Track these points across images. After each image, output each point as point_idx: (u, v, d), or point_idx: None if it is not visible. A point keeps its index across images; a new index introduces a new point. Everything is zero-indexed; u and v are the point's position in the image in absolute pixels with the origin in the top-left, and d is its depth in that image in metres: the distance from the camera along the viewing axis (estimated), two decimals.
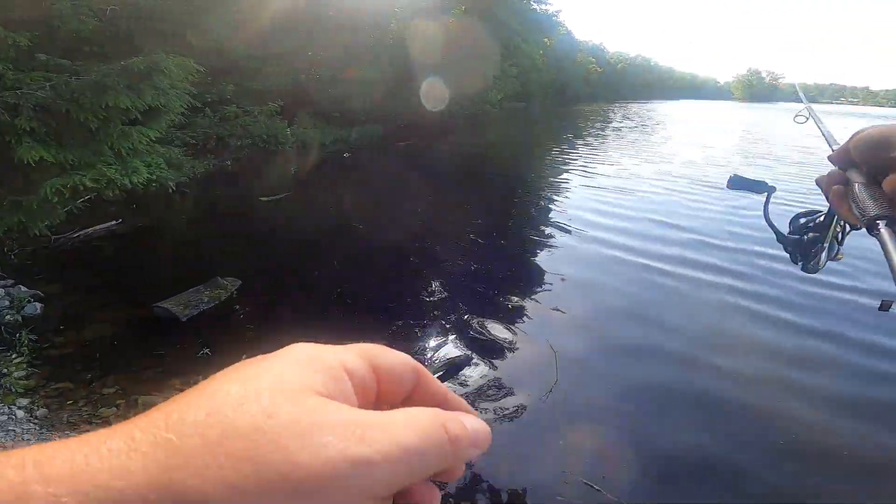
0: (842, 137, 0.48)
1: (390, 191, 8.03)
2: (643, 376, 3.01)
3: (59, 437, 1.46)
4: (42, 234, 4.03)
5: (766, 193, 0.77)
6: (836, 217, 0.58)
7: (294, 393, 0.18)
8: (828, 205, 0.57)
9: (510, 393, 2.82)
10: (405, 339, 3.35)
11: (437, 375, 2.91)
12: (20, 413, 2.57)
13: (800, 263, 0.67)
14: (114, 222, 5.42)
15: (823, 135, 0.74)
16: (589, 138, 17.06)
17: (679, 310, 3.87)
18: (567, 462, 2.30)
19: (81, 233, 5.03)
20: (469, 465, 2.31)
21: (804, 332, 3.54)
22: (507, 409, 2.69)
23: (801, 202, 7.48)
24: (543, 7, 34.19)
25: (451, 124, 17.56)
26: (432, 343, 3.31)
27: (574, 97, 46.02)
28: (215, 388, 0.18)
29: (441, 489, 0.21)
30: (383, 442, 0.17)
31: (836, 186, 0.44)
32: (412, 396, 0.23)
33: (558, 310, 3.80)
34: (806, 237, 0.65)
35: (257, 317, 3.62)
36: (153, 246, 5.17)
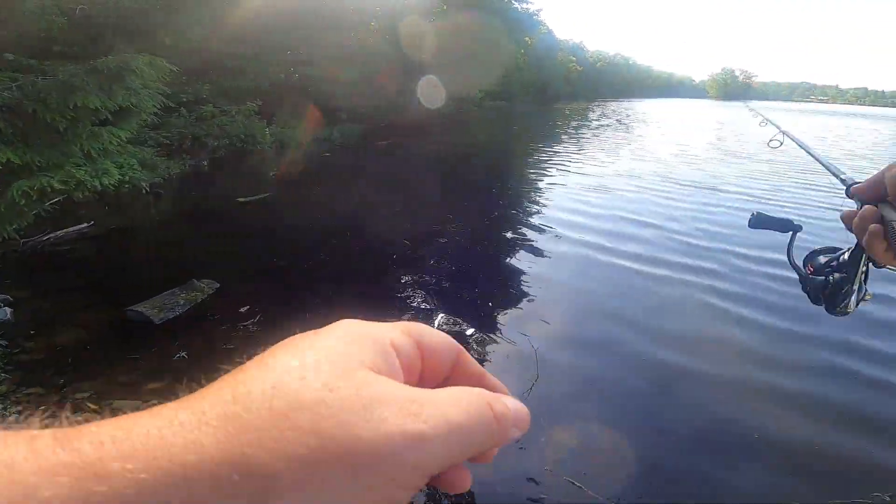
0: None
1: (370, 190, 8.02)
2: (622, 373, 3.07)
3: None
4: (10, 238, 3.94)
5: (791, 232, 0.71)
6: (864, 255, 0.54)
7: (350, 367, 0.18)
8: (849, 242, 0.56)
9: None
10: None
11: None
12: None
13: (823, 305, 0.62)
14: (85, 225, 5.31)
15: (822, 163, 0.74)
16: (569, 137, 17.27)
17: (654, 307, 3.94)
18: (549, 460, 2.33)
19: (52, 236, 4.91)
20: None
21: (780, 332, 3.60)
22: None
23: (770, 199, 7.73)
24: (524, 6, 34.42)
25: (432, 123, 17.56)
26: None
27: (555, 96, 46.46)
28: (276, 361, 0.18)
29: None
30: (437, 419, 0.18)
31: (873, 226, 0.41)
32: (452, 376, 0.23)
33: (537, 308, 3.85)
34: (831, 278, 0.60)
35: (235, 319, 3.59)
36: (126, 248, 5.09)
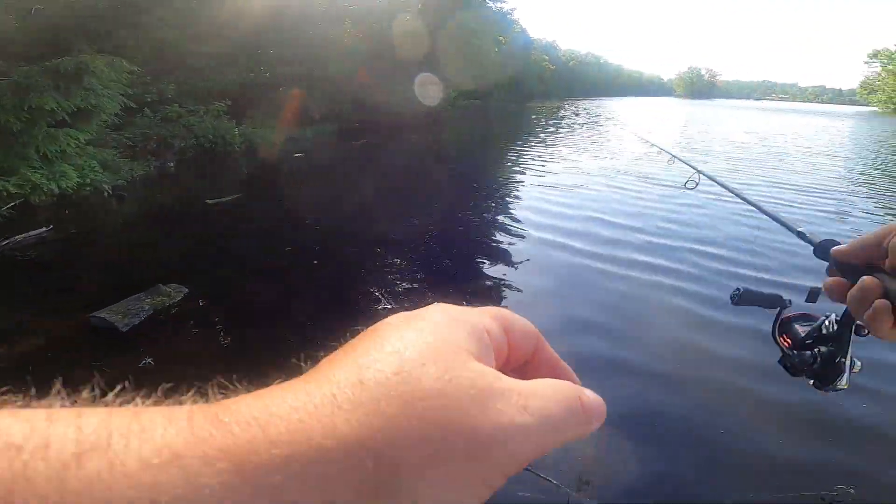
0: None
1: (343, 191, 7.98)
2: (597, 374, 3.09)
3: None
4: None
5: (778, 309, 0.65)
6: (854, 325, 0.51)
7: (462, 357, 0.19)
8: (817, 309, 0.54)
9: None
10: None
11: None
12: None
13: (809, 381, 0.57)
14: (44, 229, 5.12)
15: (769, 215, 0.70)
16: (542, 135, 17.51)
17: (622, 306, 3.98)
18: None
19: (9, 241, 4.73)
20: None
21: (746, 332, 3.56)
22: None
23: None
24: (498, 5, 34.65)
25: (406, 122, 17.52)
26: None
27: (528, 94, 46.97)
28: (391, 345, 0.19)
29: None
30: (540, 411, 0.19)
31: (880, 302, 0.37)
32: (531, 360, 0.24)
33: (513, 307, 3.91)
34: (817, 352, 0.55)
35: (204, 324, 3.54)
36: (88, 253, 4.93)
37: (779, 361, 0.60)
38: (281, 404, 0.17)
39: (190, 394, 0.18)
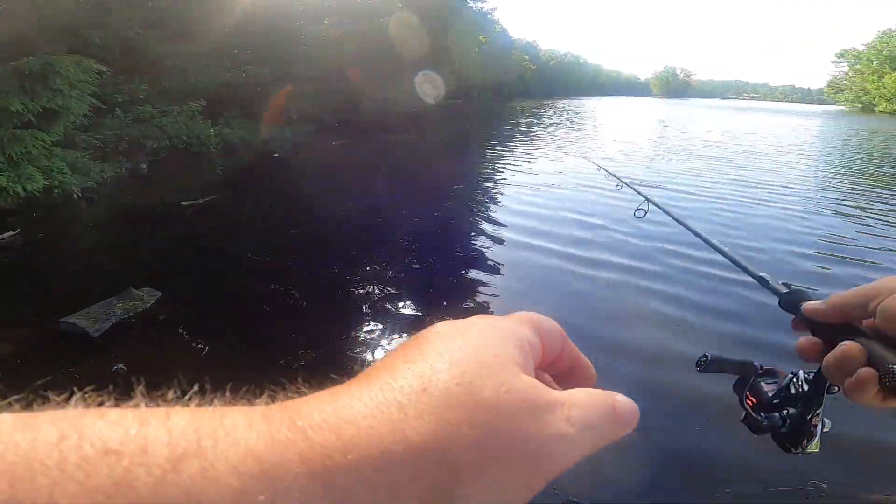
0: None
1: (321, 191, 7.93)
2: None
3: None
4: None
5: (750, 376, 0.58)
6: (828, 384, 0.48)
7: (513, 370, 0.20)
8: (789, 366, 0.51)
9: None
10: (345, 341, 3.35)
11: None
12: None
13: (776, 442, 0.53)
14: (10, 233, 4.97)
15: (693, 232, 0.69)
16: (522, 134, 17.66)
17: (604, 306, 4.00)
18: None
19: None
20: None
21: (720, 331, 3.59)
22: None
23: (712, 193, 8.20)
24: (479, 5, 34.75)
25: (387, 122, 17.46)
26: (369, 347, 3.33)
27: (509, 94, 47.21)
28: (451, 359, 0.20)
29: None
30: (580, 421, 0.20)
31: (865, 371, 0.34)
32: (558, 356, 0.26)
33: (492, 306, 3.92)
34: (786, 414, 0.51)
35: (179, 328, 3.49)
36: (57, 257, 4.81)
37: (742, 420, 0.54)
38: (350, 410, 0.17)
39: (264, 396, 0.19)
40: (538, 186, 8.16)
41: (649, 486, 2.32)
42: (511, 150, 13.07)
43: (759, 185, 8.96)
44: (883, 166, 12.95)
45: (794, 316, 0.45)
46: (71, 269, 4.54)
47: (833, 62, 75.86)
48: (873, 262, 5.01)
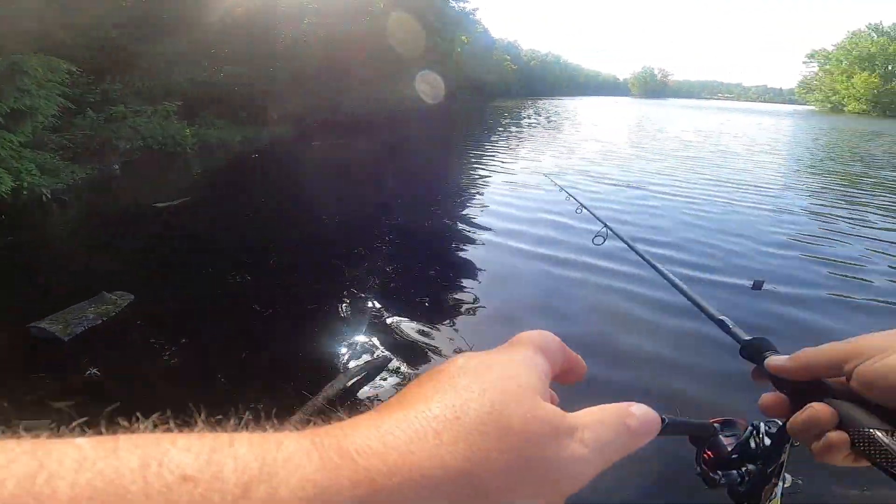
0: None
1: (299, 193, 7.89)
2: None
3: None
4: None
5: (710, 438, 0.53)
6: (791, 441, 0.45)
7: (537, 399, 0.22)
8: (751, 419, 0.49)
9: None
10: (321, 345, 3.34)
11: (357, 378, 2.94)
12: None
13: (732, 499, 0.50)
14: None
15: (644, 259, 0.66)
16: (502, 134, 17.78)
17: (581, 303, 4.05)
18: None
19: None
20: None
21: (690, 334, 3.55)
22: None
23: (687, 193, 8.39)
24: (461, 5, 34.80)
25: (368, 122, 17.40)
26: (350, 347, 3.33)
27: (490, 94, 47.39)
28: (481, 388, 0.21)
29: None
30: (595, 442, 0.22)
31: (835, 435, 0.32)
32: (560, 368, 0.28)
33: (472, 306, 3.94)
34: (745, 471, 0.48)
35: (152, 332, 3.46)
36: (27, 261, 4.70)
37: (697, 473, 0.50)
38: (391, 436, 0.19)
39: (311, 425, 0.20)
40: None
41: None
42: (487, 155, 13.15)
43: (732, 185, 9.19)
44: (853, 165, 13.43)
45: (754, 366, 0.43)
46: (41, 273, 4.45)
47: (804, 62, 77.95)
48: (843, 262, 5.16)
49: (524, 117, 26.67)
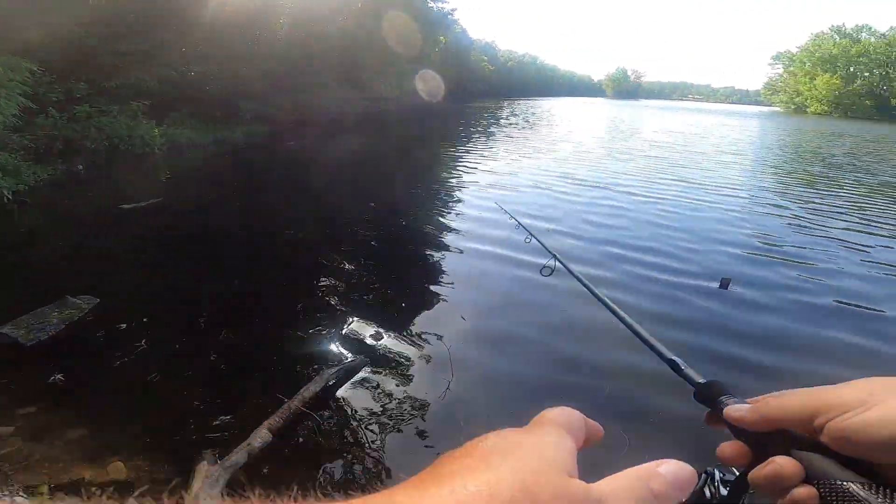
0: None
1: (272, 193, 7.81)
2: (532, 368, 3.18)
3: None
4: None
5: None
6: (748, 490, 0.41)
7: (565, 477, 0.23)
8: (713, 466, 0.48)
9: (407, 395, 2.86)
10: (294, 349, 3.32)
11: (331, 382, 2.95)
12: None
13: None
14: None
15: (585, 286, 0.66)
16: (479, 135, 17.89)
17: (557, 306, 4.01)
18: None
19: None
20: (366, 471, 2.32)
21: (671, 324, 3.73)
22: (405, 411, 2.73)
23: (648, 193, 8.58)
24: (440, 5, 34.83)
25: (345, 122, 17.30)
26: (324, 350, 3.32)
27: (468, 94, 47.58)
28: (513, 467, 0.22)
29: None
30: None
31: (802, 491, 0.30)
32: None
33: (448, 309, 3.95)
34: None
35: (118, 337, 3.38)
36: None
37: None
38: None
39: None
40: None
41: None
42: (458, 160, 13.23)
43: (699, 185, 9.48)
44: (813, 165, 14.00)
45: (708, 409, 0.39)
46: (2, 277, 4.32)
47: (769, 64, 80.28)
48: (805, 262, 5.33)
49: (501, 119, 26.86)
